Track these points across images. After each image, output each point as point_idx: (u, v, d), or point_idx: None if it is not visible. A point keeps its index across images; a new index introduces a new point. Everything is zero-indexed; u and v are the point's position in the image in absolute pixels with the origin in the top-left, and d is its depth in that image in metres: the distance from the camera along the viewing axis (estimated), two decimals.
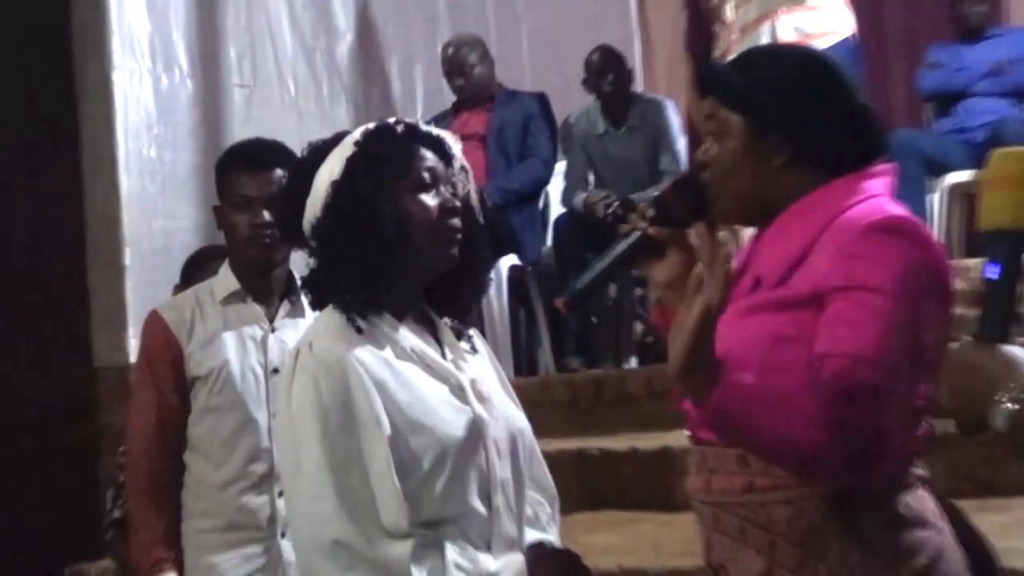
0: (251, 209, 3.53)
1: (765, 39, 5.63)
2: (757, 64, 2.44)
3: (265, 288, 3.62)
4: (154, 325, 3.59)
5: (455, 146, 2.66)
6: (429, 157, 2.58)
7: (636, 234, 2.35)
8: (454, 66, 7.29)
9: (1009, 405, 1.66)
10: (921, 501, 2.29)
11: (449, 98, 7.44)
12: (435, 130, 2.65)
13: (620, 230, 2.39)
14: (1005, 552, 2.61)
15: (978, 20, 7.78)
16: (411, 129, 2.61)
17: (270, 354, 3.57)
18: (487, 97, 7.25)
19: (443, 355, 2.60)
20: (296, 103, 7.35)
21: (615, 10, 9.69)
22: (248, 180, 3.55)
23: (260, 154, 3.65)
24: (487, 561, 2.47)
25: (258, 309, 3.61)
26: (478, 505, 2.51)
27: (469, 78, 7.23)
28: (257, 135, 6.80)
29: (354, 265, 2.52)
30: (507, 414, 2.63)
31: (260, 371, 3.56)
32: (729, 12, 6.05)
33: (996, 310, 1.78)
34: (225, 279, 3.62)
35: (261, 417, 3.54)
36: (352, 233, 2.51)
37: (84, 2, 6.53)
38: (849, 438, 2.10)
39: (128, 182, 6.43)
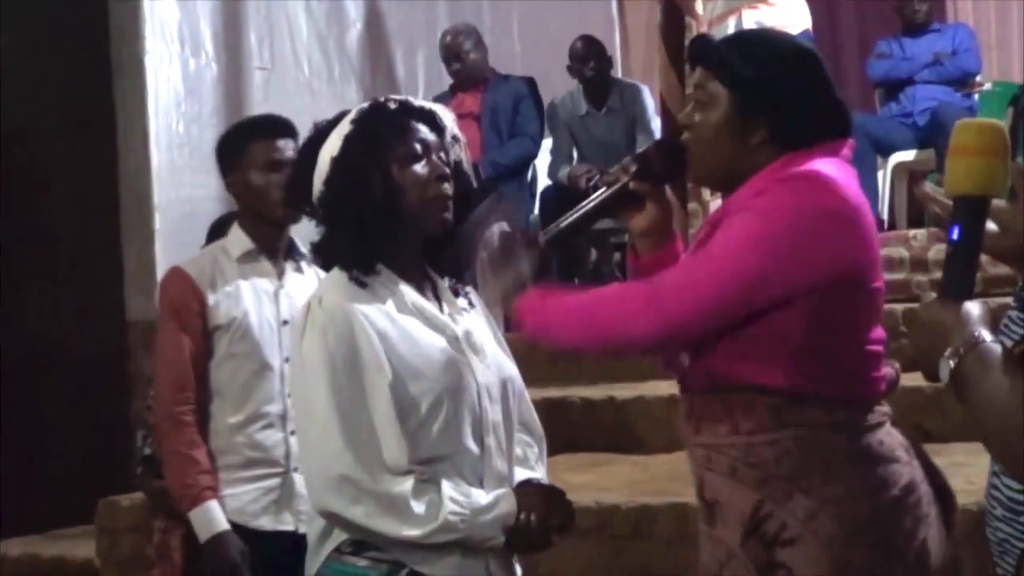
0: (282, 171, 3.54)
1: (730, 31, 5.60)
2: (751, 46, 2.40)
3: (275, 247, 3.63)
4: (178, 278, 3.59)
5: (446, 117, 2.63)
6: (421, 129, 2.56)
7: (617, 185, 2.35)
8: (451, 52, 7.27)
9: (952, 361, 1.66)
10: (892, 437, 2.31)
11: (447, 81, 7.42)
12: (426, 104, 2.63)
13: (603, 179, 2.39)
14: None
15: (922, 16, 7.78)
16: (403, 105, 2.59)
17: (281, 306, 3.59)
18: (481, 80, 7.24)
19: (441, 310, 2.59)
20: (310, 84, 7.32)
21: (597, 2, 9.65)
22: (280, 144, 3.58)
23: (285, 123, 3.69)
24: (479, 495, 2.46)
25: (269, 266, 3.62)
26: (471, 445, 2.50)
27: (465, 63, 7.22)
28: (274, 113, 6.80)
29: (353, 231, 2.51)
30: (498, 362, 2.62)
31: (274, 322, 3.57)
32: (699, 6, 6.02)
33: (957, 269, 1.76)
34: (239, 239, 3.62)
35: (275, 363, 3.55)
36: (349, 203, 2.51)
37: None
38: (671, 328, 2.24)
39: (158, 155, 6.42)
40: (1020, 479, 1.63)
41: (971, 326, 1.69)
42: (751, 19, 5.64)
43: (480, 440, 2.51)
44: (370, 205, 2.49)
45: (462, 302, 2.66)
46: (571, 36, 7.52)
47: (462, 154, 2.64)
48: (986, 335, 1.67)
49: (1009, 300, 2.02)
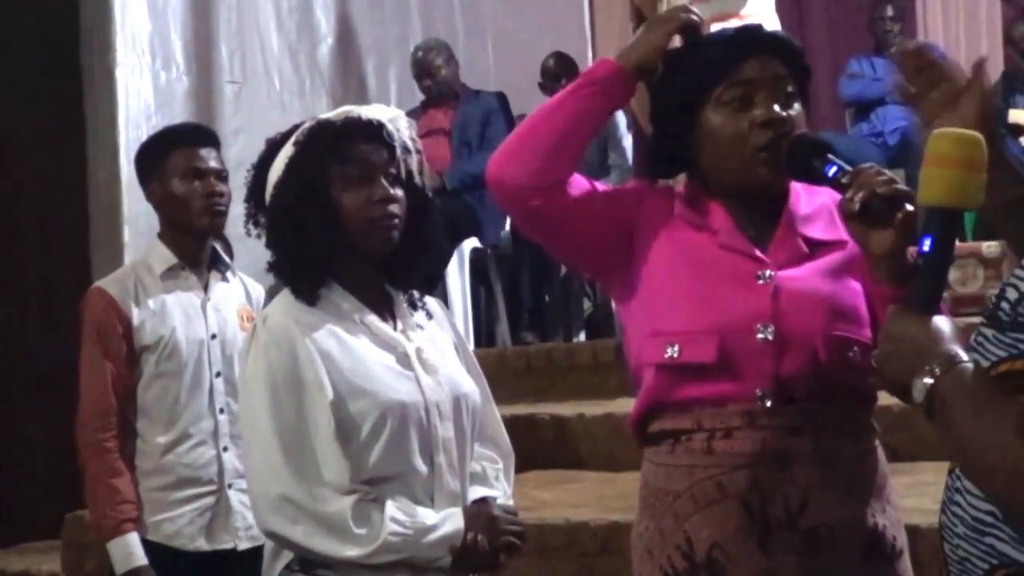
0: (205, 179, 3.51)
1: None
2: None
3: (198, 259, 3.57)
4: (100, 299, 3.49)
5: (398, 127, 2.57)
6: (364, 149, 2.51)
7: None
8: (422, 68, 7.26)
9: (927, 380, 1.64)
10: None
11: (419, 96, 7.39)
12: (376, 116, 2.55)
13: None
14: (909, 511, 2.62)
15: (894, 36, 7.83)
16: (349, 122, 2.53)
17: (209, 320, 3.53)
18: (452, 96, 7.23)
19: (395, 327, 2.56)
20: (281, 98, 7.29)
21: (570, 19, 9.66)
22: (203, 153, 3.54)
23: (207, 132, 3.68)
24: (426, 515, 2.43)
25: (194, 279, 3.56)
26: (420, 464, 2.47)
27: (436, 79, 7.22)
28: (245, 127, 6.79)
29: (293, 259, 2.50)
30: (452, 379, 2.58)
31: (204, 337, 3.51)
32: None
33: (927, 281, 1.75)
34: (161, 254, 3.55)
35: (205, 379, 3.49)
36: (289, 232, 2.49)
37: (91, 4, 6.47)
38: None
39: (128, 168, 6.35)
40: (1014, 514, 1.60)
41: (945, 344, 1.66)
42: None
43: (429, 458, 2.49)
44: (307, 235, 2.47)
45: (420, 315, 2.63)
46: (544, 52, 7.53)
47: (415, 164, 2.60)
48: (962, 354, 1.64)
49: (975, 320, 2.01)
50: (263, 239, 2.60)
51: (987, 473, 1.58)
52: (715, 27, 5.60)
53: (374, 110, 2.58)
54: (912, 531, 2.48)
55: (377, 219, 2.50)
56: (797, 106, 2.32)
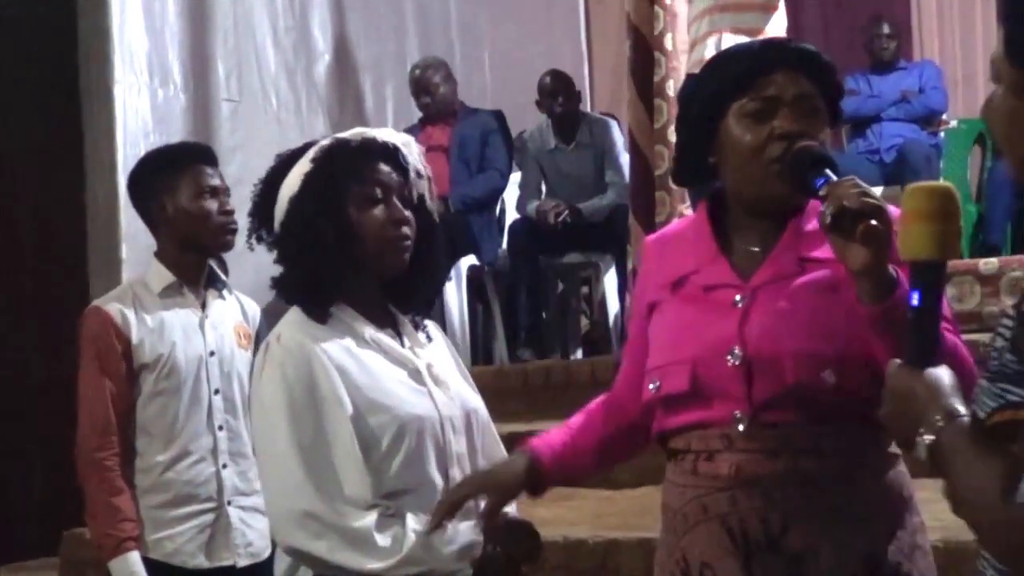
0: (219, 198, 3.53)
1: (710, 52, 5.58)
2: None
3: (196, 278, 3.58)
4: (99, 318, 3.48)
5: (411, 152, 2.60)
6: (381, 170, 2.54)
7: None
8: (420, 86, 7.28)
9: (928, 437, 1.65)
10: None
11: (416, 114, 7.41)
12: (391, 139, 2.59)
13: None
14: None
15: (889, 54, 7.86)
16: (365, 143, 2.56)
17: (207, 337, 3.53)
18: (450, 113, 7.25)
19: (402, 344, 2.58)
20: (278, 116, 7.30)
21: (567, 37, 9.69)
22: (213, 172, 3.56)
23: (210, 151, 3.70)
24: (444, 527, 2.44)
25: (192, 297, 3.56)
26: (436, 477, 2.49)
27: (434, 96, 7.23)
28: (242, 145, 6.80)
29: (307, 275, 2.51)
30: (462, 395, 2.61)
31: (202, 354, 3.51)
32: (668, 42, 6.03)
33: (920, 334, 1.74)
34: (159, 272, 3.55)
35: (204, 397, 3.50)
36: (304, 248, 2.50)
37: (89, 22, 6.48)
38: None
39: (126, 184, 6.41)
40: (1003, 562, 1.59)
41: (944, 398, 1.66)
42: (732, 42, 5.62)
43: (444, 472, 2.50)
44: (323, 251, 2.48)
45: (422, 336, 2.65)
46: (541, 69, 7.54)
47: (426, 189, 2.62)
48: (960, 408, 1.64)
49: (972, 337, 2.00)
50: (257, 258, 2.60)
51: (975, 527, 1.59)
52: (727, 36, 5.63)
53: (387, 133, 2.61)
54: None
55: (392, 239, 2.53)
56: (820, 123, 2.29)
